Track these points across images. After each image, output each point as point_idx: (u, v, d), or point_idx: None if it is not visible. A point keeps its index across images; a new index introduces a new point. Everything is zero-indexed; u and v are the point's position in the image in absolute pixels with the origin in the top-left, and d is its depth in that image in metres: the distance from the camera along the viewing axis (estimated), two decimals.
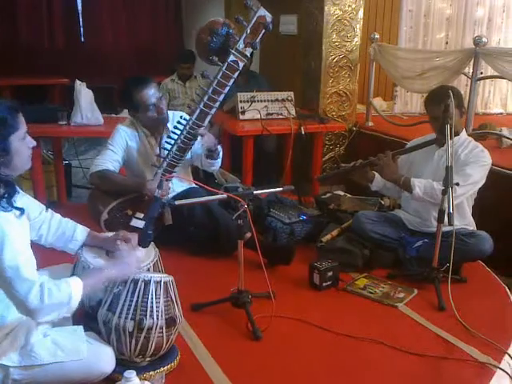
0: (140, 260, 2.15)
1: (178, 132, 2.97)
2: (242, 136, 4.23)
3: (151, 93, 3.07)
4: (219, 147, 3.20)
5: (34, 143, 1.88)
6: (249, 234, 2.76)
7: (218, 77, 2.81)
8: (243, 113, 4.41)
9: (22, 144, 1.82)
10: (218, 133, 4.97)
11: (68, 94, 4.85)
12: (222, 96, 2.88)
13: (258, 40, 2.76)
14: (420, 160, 3.09)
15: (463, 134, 3.02)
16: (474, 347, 2.30)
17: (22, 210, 1.82)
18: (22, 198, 1.94)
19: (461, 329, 2.44)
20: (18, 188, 1.86)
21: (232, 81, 2.84)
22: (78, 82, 4.09)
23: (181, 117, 3.03)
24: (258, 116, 4.39)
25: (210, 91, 2.85)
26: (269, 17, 2.72)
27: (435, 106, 2.88)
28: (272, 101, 4.52)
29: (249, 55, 2.81)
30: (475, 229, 3.04)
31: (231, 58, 2.77)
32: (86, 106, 4.03)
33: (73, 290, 1.80)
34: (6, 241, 1.69)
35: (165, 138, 3.09)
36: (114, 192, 3.13)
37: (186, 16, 8.12)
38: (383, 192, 3.30)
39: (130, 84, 3.12)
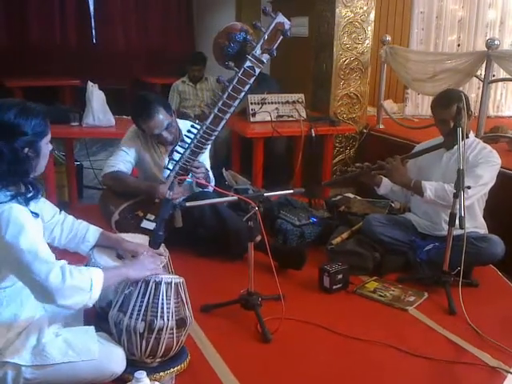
0: (158, 264, 2.12)
1: (192, 136, 2.97)
2: (253, 138, 4.23)
3: (156, 124, 3.03)
4: (210, 175, 3.22)
5: (51, 147, 1.93)
6: (259, 237, 2.76)
7: (234, 82, 2.79)
8: (254, 115, 4.42)
9: (47, 148, 1.88)
10: (228, 135, 4.98)
11: (79, 96, 4.88)
12: (237, 101, 2.85)
13: (275, 47, 2.72)
14: (428, 164, 3.08)
15: (471, 135, 3.01)
16: (484, 351, 2.29)
17: (36, 215, 1.83)
18: (38, 201, 1.95)
19: (471, 333, 2.43)
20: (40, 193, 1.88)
21: (248, 86, 2.81)
22: (90, 84, 4.11)
23: (192, 125, 3.02)
24: (269, 118, 4.39)
25: (225, 96, 2.82)
26: (287, 24, 2.68)
27: (444, 109, 2.87)
28: (283, 103, 4.52)
29: (265, 61, 2.78)
30: (487, 231, 3.02)
31: (247, 63, 2.74)
32: (97, 107, 4.06)
33: (94, 277, 1.80)
34: (23, 229, 1.70)
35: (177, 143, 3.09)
36: (126, 193, 3.15)
37: (197, 17, 8.13)
38: (389, 196, 3.29)
39: (137, 110, 3.11)
